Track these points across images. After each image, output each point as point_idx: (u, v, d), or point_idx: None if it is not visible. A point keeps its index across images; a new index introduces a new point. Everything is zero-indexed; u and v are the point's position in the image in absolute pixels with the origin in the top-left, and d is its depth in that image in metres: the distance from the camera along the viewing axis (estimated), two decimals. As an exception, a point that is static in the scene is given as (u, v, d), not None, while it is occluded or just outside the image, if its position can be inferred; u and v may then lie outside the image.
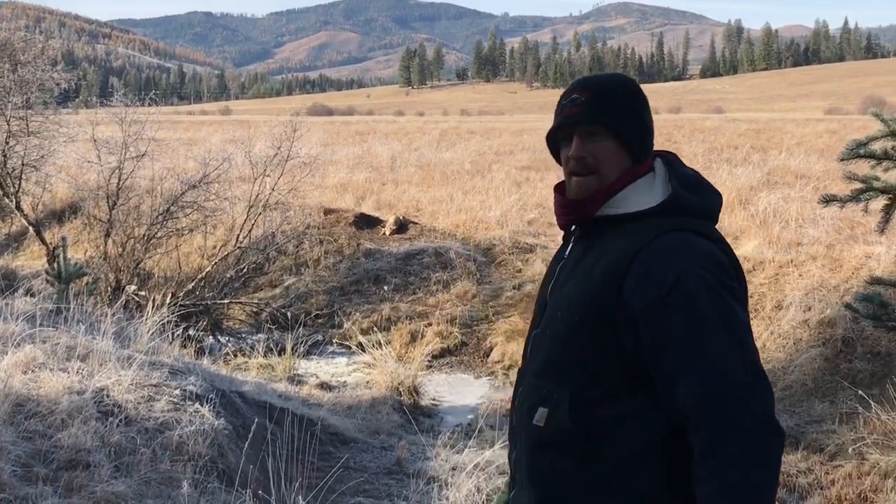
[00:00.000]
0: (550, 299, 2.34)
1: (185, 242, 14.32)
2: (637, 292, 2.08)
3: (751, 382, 1.99)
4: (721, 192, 2.39)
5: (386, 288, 14.28)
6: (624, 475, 2.07)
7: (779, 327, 10.57)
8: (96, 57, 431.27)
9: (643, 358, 2.09)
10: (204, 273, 12.84)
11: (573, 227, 2.39)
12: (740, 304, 2.11)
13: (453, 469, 6.54)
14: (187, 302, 11.73)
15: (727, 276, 2.11)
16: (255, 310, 13.80)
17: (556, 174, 23.74)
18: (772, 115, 61.97)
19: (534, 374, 2.29)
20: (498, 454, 6.75)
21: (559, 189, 2.43)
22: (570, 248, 2.38)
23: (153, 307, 8.32)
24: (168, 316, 8.23)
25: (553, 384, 2.20)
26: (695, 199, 2.24)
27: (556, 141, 2.41)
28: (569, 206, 2.34)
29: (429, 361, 11.49)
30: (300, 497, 4.74)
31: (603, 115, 2.27)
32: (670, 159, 2.34)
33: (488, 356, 12.09)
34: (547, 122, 56.48)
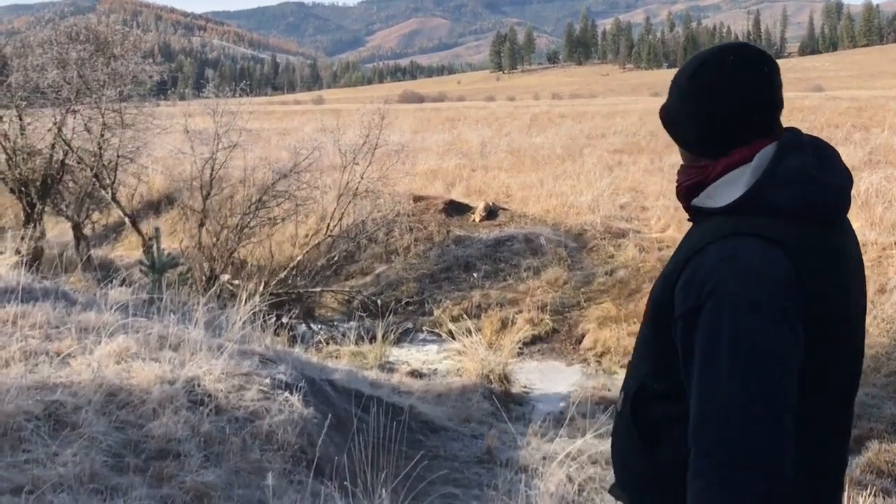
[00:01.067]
0: None
1: (277, 232, 14.52)
2: (677, 299, 1.98)
3: (750, 419, 1.84)
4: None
5: (476, 275, 14.26)
6: (677, 474, 1.97)
7: (882, 311, 10.23)
8: (192, 49, 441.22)
9: None
10: (296, 262, 12.99)
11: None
12: (788, 324, 1.89)
13: (544, 458, 6.46)
14: (280, 290, 11.89)
15: (774, 293, 1.89)
16: (346, 298, 13.92)
17: (650, 157, 23.49)
18: (874, 93, 59.84)
19: (632, 357, 2.26)
20: (590, 443, 6.65)
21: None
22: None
23: (246, 296, 8.42)
24: (260, 304, 8.32)
25: (632, 372, 2.19)
26: (782, 197, 2.00)
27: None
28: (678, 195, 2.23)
29: (519, 349, 11.41)
30: (387, 487, 4.72)
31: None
32: (786, 143, 2.08)
33: (580, 343, 11.97)
34: (641, 103, 55.70)
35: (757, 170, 2.04)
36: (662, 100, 2.38)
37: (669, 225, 15.50)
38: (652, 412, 2.10)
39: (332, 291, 13.76)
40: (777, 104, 2.11)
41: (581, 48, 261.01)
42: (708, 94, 2.10)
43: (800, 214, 2.00)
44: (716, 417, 1.86)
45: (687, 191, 2.16)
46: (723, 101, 2.08)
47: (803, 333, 1.90)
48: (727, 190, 2.06)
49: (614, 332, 11.61)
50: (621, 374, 10.86)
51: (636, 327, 11.58)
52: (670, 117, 2.22)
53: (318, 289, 13.12)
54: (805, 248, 1.96)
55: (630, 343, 11.23)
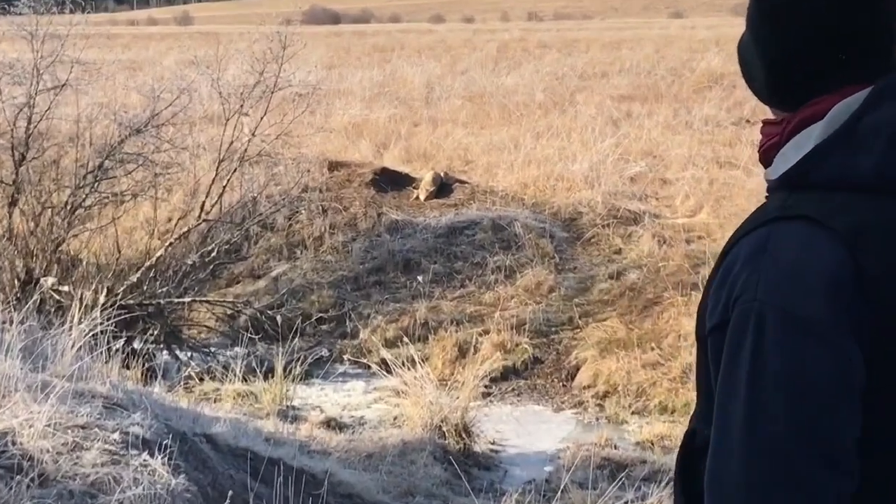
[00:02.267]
0: None
1: (126, 214, 14.37)
2: (708, 305, 2.05)
3: (769, 482, 1.87)
4: None
5: (421, 278, 14.26)
6: None
7: None
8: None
9: None
10: (154, 259, 12.86)
11: None
12: (838, 343, 1.88)
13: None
14: (130, 301, 11.75)
15: (808, 299, 1.89)
16: (228, 312, 13.83)
17: (672, 107, 23.67)
18: None
19: None
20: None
21: None
22: None
23: (81, 309, 8.30)
24: (103, 322, 8.20)
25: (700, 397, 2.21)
26: (851, 166, 1.98)
27: None
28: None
29: (485, 387, 11.41)
30: None
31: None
32: (883, 89, 2.03)
33: (573, 379, 12.02)
34: (657, 28, 55.88)
35: (829, 126, 2.02)
36: (686, 22, 2.37)
37: (702, 206, 15.64)
38: (695, 442, 2.14)
39: (208, 303, 13.66)
40: (880, 33, 2.06)
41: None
42: (774, 19, 2.09)
43: (874, 188, 1.98)
44: (724, 475, 1.91)
45: (764, 156, 2.17)
46: (791, 27, 2.07)
47: (864, 352, 1.88)
48: (792, 155, 2.06)
49: (623, 363, 11.66)
50: (634, 424, 10.92)
51: (655, 355, 11.67)
52: (741, 54, 2.24)
53: (186, 299, 13.00)
54: (874, 234, 1.94)
55: (647, 378, 11.29)
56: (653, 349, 11.70)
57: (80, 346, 7.60)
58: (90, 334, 7.91)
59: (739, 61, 2.24)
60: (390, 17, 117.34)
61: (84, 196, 12.93)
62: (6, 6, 15.48)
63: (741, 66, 2.24)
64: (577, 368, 12.11)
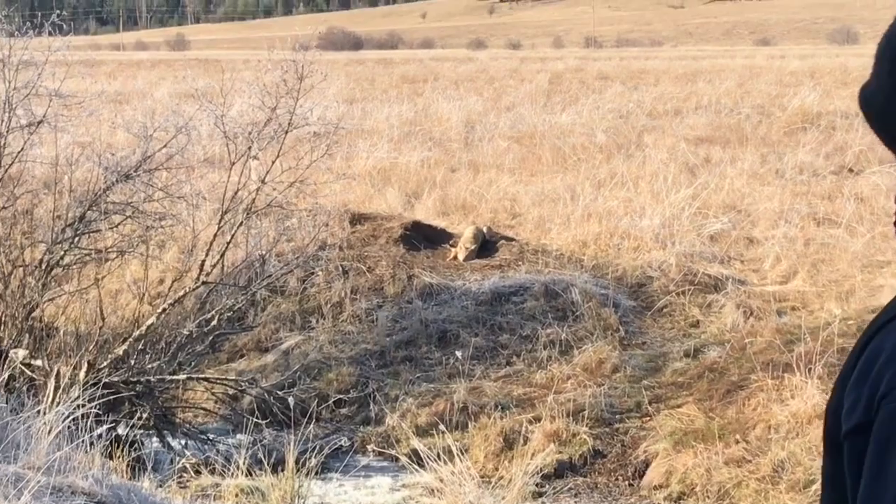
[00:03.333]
0: None
1: (111, 274, 14.41)
2: (843, 404, 2.04)
3: None
4: None
5: (459, 354, 14.21)
6: None
7: None
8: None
9: None
10: (144, 328, 12.88)
11: None
12: None
13: None
14: (116, 378, 11.77)
15: None
16: (231, 392, 13.81)
17: (760, 151, 23.60)
18: None
19: None
20: None
21: None
22: None
23: (57, 388, 8.33)
24: (83, 404, 8.22)
25: None
26: None
27: None
28: None
29: (537, 485, 11.36)
30: None
31: None
32: None
33: (642, 477, 11.94)
34: (740, 56, 55.82)
35: None
36: (775, 51, 2.36)
37: (796, 271, 15.58)
38: None
39: (207, 381, 13.65)
40: None
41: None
42: None
43: None
44: None
45: None
46: None
47: None
48: None
49: (702, 459, 11.57)
50: (715, 532, 10.82)
51: (740, 449, 11.57)
52: (879, 106, 2.17)
53: (181, 376, 13.00)
54: None
55: (730, 478, 11.20)
56: (737, 442, 11.60)
57: (58, 433, 7.62)
58: (69, 418, 7.93)
59: (872, 113, 2.19)
60: (422, 43, 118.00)
61: (62, 253, 12.98)
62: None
63: (876, 119, 2.18)
64: (647, 464, 12.03)
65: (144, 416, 12.16)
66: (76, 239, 13.14)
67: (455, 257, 16.97)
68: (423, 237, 17.40)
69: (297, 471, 11.25)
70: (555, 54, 69.32)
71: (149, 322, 13.02)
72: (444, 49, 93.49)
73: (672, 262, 15.97)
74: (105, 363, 11.98)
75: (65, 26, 15.82)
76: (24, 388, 10.44)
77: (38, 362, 11.38)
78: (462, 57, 65.47)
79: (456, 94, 35.88)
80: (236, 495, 11.07)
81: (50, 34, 15.07)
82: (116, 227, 13.74)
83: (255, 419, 13.04)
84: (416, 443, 11.57)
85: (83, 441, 7.88)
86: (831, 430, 2.08)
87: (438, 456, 10.82)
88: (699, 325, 14.69)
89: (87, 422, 8.08)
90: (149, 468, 11.40)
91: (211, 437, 13.05)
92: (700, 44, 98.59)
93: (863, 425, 1.94)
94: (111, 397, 10.92)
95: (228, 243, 13.73)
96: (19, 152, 13.28)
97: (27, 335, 12.43)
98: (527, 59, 60.26)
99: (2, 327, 12.30)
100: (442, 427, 12.50)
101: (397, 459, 12.10)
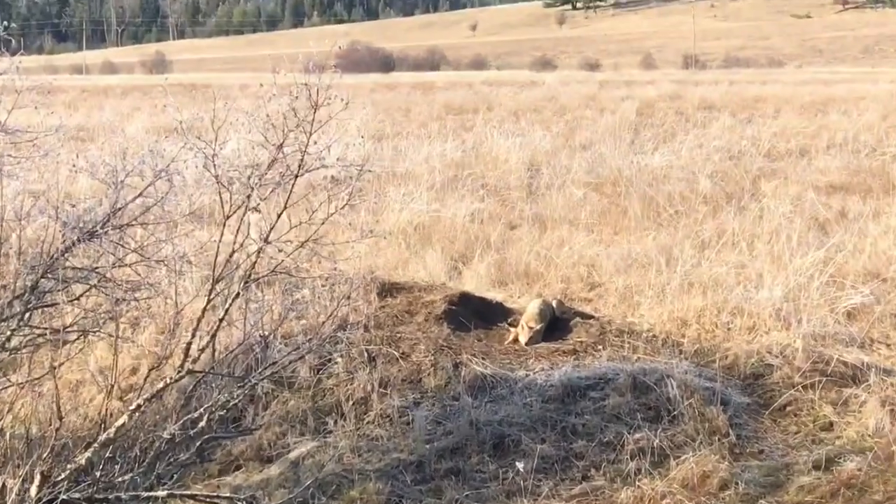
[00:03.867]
0: None
1: (70, 361, 14.42)
2: None
3: None
4: None
5: (521, 466, 14.16)
6: None
7: None
8: None
9: None
10: (113, 430, 12.89)
11: None
12: None
13: None
14: (77, 495, 11.78)
15: None
16: (223, 513, 13.80)
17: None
18: None
19: None
20: None
21: None
22: None
23: (0, 507, 8.34)
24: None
25: None
26: None
27: None
28: None
29: None
30: None
31: None
32: None
33: None
34: (885, 80, 55.60)
35: None
36: None
37: (959, 357, 15.45)
38: None
39: (194, 499, 13.64)
40: None
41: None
42: None
43: None
44: None
45: None
46: None
47: None
48: None
49: None
50: None
51: None
52: None
53: (161, 493, 13.00)
54: None
55: None
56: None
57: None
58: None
59: None
60: (471, 62, 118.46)
61: (8, 333, 13.02)
62: None
63: None
64: None
65: (113, 544, 12.13)
66: (27, 315, 13.15)
67: (515, 340, 16.94)
68: (473, 314, 17.40)
69: None
70: (644, 77, 69.63)
71: (119, 422, 13.01)
72: (500, 70, 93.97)
73: (798, 346, 15.89)
74: (63, 475, 11.98)
75: (13, 42, 15.90)
76: (-41, 506, 10.44)
77: (-23, 474, 11.38)
78: (524, 80, 65.86)
79: (516, 128, 36.07)
80: None
81: (-6, 53, 15.16)
82: (78, 299, 13.74)
83: (255, 550, 13.03)
84: (467, 583, 11.53)
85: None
86: None
87: None
88: (833, 428, 14.57)
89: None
90: None
91: (198, 574, 13.01)
92: (832, 63, 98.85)
93: None
94: (70, 519, 10.90)
95: (221, 321, 13.67)
96: (-44, 204, 13.34)
97: (-37, 438, 12.46)
98: (608, 82, 60.51)
99: (-68, 429, 12.33)
100: (499, 561, 12.47)
101: None
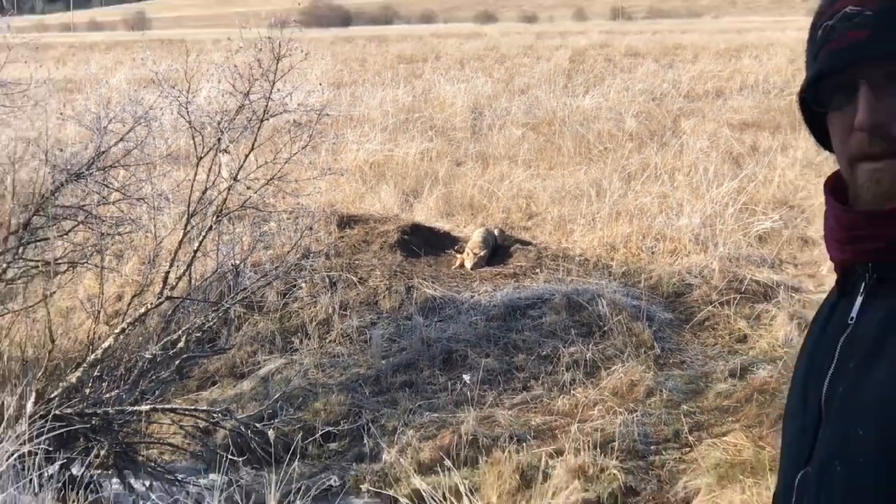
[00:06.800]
0: (830, 408, 2.41)
1: (62, 289, 14.44)
2: None
3: None
4: None
5: (467, 378, 14.26)
6: None
7: None
8: None
9: None
10: (100, 351, 12.92)
11: (867, 265, 2.44)
12: None
13: None
14: (69, 410, 11.80)
15: None
16: (202, 425, 13.83)
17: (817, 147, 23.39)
18: None
19: None
20: None
21: (833, 190, 2.52)
22: (858, 304, 2.46)
23: (2, 421, 8.39)
24: (32, 439, 8.28)
25: None
26: None
27: (819, 99, 2.47)
28: (862, 224, 2.39)
29: (560, 529, 11.40)
30: None
31: None
32: None
33: (683, 518, 11.97)
34: (793, 28, 55.63)
35: None
36: None
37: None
38: None
39: (174, 412, 13.68)
40: None
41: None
42: None
43: None
44: None
45: None
46: None
47: None
48: None
49: (751, 495, 11.59)
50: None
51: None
52: None
53: (144, 407, 13.03)
54: None
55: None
56: (792, 476, 11.61)
57: (1, 472, 7.67)
58: (14, 455, 7.98)
59: None
60: (421, 16, 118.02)
61: (4, 266, 13.03)
62: None
63: None
64: (688, 502, 12.06)
65: (102, 453, 12.17)
66: (21, 249, 13.16)
67: (461, 265, 17.02)
68: (423, 242, 17.46)
69: (280, 517, 11.29)
70: (577, 28, 69.33)
71: (105, 344, 13.05)
72: (447, 24, 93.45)
73: (715, 267, 16.01)
74: (56, 392, 12.01)
75: (5, 4, 15.88)
76: (-38, 421, 10.49)
77: (-22, 392, 11.42)
78: (468, 32, 65.50)
79: (461, 75, 35.96)
80: (208, 545, 11.11)
81: (-14, 14, 15.12)
82: (67, 234, 13.76)
83: (230, 456, 13.05)
84: (418, 482, 11.61)
85: (31, 482, 7.93)
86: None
87: (444, 496, 10.87)
88: (747, 340, 14.72)
89: (35, 459, 8.13)
90: (106, 515, 11.42)
91: (180, 477, 13.04)
92: (746, 14, 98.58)
93: None
94: (63, 432, 10.95)
95: (196, 252, 13.71)
96: (-47, 149, 13.34)
97: (-35, 361, 12.49)
98: (544, 33, 60.24)
99: (-64, 352, 12.37)
100: (448, 463, 12.52)
101: (396, 501, 12.14)
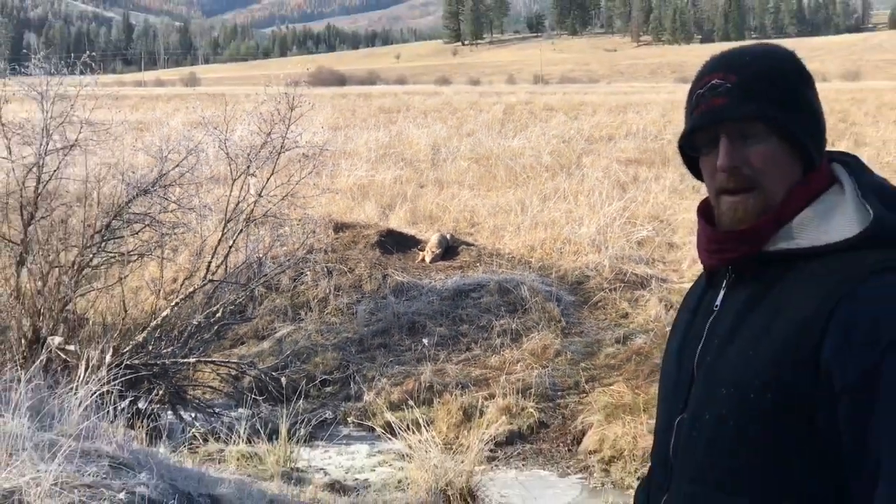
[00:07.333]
0: (700, 372, 2.42)
1: (132, 273, 14.39)
2: (837, 362, 2.12)
3: None
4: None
5: (426, 341, 14.26)
6: None
7: None
8: (4, 5, 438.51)
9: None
10: (160, 318, 12.87)
11: (728, 268, 2.48)
12: None
13: None
14: (136, 361, 11.76)
15: None
16: (233, 373, 13.81)
17: (679, 171, 23.73)
18: None
19: (688, 479, 2.39)
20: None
21: (705, 213, 2.53)
22: (721, 295, 2.48)
23: (87, 369, 8.33)
24: (109, 382, 8.23)
25: (722, 494, 2.30)
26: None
27: (693, 146, 2.52)
28: (724, 240, 2.43)
29: (490, 451, 11.36)
30: None
31: (761, 103, 2.36)
32: (851, 164, 2.43)
33: (579, 444, 11.96)
34: (664, 92, 56.13)
35: (853, 193, 2.35)
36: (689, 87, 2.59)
37: (708, 271, 15.65)
38: None
39: (214, 363, 13.66)
40: None
41: (577, 11, 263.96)
42: (816, 96, 2.51)
43: None
44: None
45: (757, 233, 2.37)
46: (819, 104, 2.53)
47: None
48: (829, 221, 2.31)
49: (629, 428, 11.61)
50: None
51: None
52: (818, 118, 2.51)
53: (191, 359, 12.99)
54: None
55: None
56: (659, 414, 11.66)
57: (87, 406, 7.62)
58: (96, 394, 7.93)
59: None
60: (396, 79, 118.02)
61: (91, 256, 12.96)
62: (17, 67, 15.59)
63: None
64: (583, 433, 12.05)
65: (160, 392, 12.16)
66: (103, 244, 13.11)
67: (423, 260, 17.01)
68: (395, 243, 17.46)
69: (289, 439, 11.27)
70: (508, 89, 69.36)
71: (164, 314, 13.02)
72: (415, 85, 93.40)
73: (605, 263, 16.07)
74: (127, 348, 11.98)
75: (94, 66, 15.81)
76: (59, 368, 10.43)
77: (71, 347, 11.37)
78: (430, 91, 65.42)
79: (424, 122, 35.98)
80: (238, 459, 11.06)
81: (81, 72, 15.06)
82: (137, 234, 13.71)
83: (253, 396, 13.07)
84: (389, 416, 11.60)
85: (108, 413, 7.89)
86: (784, 384, 2.18)
87: (408, 427, 10.85)
88: (628, 317, 14.79)
89: (111, 397, 8.10)
90: (164, 436, 11.38)
91: (217, 410, 13.04)
92: (630, 81, 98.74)
93: (865, 375, 2.08)
94: (132, 377, 10.95)
95: (231, 247, 13.74)
96: (55, 171, 13.25)
97: (62, 325, 12.41)
98: (485, 93, 60.32)
99: (41, 318, 12.27)
100: (411, 403, 12.54)
101: (373, 430, 12.13)
